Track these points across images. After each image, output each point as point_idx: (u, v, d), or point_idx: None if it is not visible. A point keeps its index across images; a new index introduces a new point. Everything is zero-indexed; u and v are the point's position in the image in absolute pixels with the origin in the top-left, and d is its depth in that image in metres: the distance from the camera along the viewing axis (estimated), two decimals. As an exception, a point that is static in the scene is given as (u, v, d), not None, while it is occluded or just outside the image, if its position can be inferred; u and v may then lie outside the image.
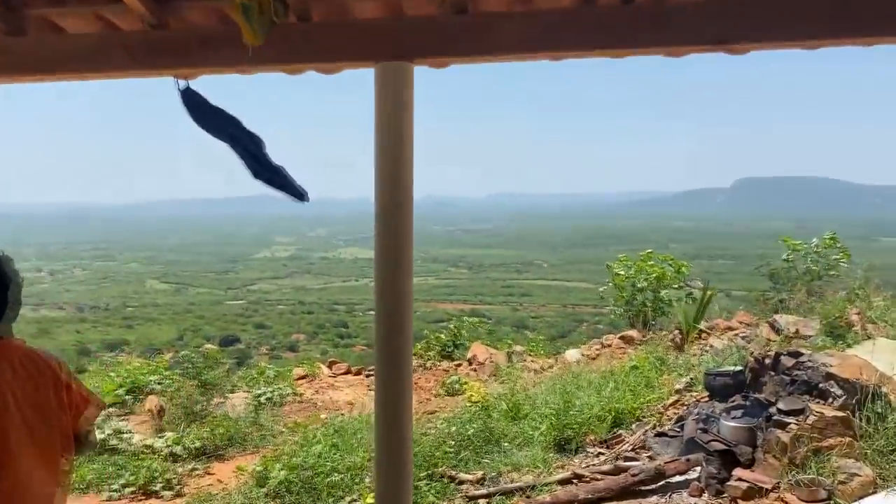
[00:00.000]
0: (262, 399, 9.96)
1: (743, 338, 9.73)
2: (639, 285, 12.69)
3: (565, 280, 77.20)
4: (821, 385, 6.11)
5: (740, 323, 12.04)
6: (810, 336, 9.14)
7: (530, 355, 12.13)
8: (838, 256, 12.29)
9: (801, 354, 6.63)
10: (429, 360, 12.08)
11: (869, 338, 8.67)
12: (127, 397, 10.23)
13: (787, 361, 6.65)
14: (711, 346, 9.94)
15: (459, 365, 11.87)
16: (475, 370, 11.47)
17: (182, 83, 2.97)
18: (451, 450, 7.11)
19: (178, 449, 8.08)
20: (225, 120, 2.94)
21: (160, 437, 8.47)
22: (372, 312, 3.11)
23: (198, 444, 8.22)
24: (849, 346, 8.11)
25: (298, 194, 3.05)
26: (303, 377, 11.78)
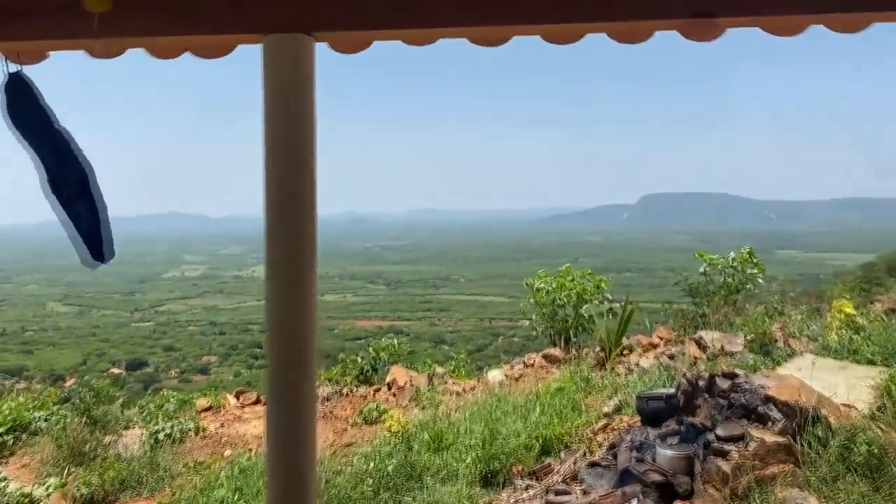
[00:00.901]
0: (161, 436, 9.04)
1: (669, 356, 9.50)
2: (559, 301, 12.37)
3: (482, 295, 77.47)
4: (759, 408, 5.81)
5: (661, 339, 11.88)
6: (736, 352, 8.98)
7: (452, 377, 11.59)
8: (754, 271, 12.32)
9: (737, 376, 6.35)
10: (346, 385, 11.36)
11: (793, 353, 8.58)
12: (7, 437, 9.12)
13: (723, 383, 6.35)
14: (637, 365, 9.67)
15: (378, 390, 11.21)
16: (395, 395, 10.84)
17: (13, 66, 2.28)
18: (370, 488, 6.48)
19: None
20: (43, 121, 2.23)
21: (42, 484, 7.49)
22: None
23: (85, 490, 7.31)
24: (777, 363, 7.95)
25: (95, 248, 2.30)
26: (207, 409, 10.86)
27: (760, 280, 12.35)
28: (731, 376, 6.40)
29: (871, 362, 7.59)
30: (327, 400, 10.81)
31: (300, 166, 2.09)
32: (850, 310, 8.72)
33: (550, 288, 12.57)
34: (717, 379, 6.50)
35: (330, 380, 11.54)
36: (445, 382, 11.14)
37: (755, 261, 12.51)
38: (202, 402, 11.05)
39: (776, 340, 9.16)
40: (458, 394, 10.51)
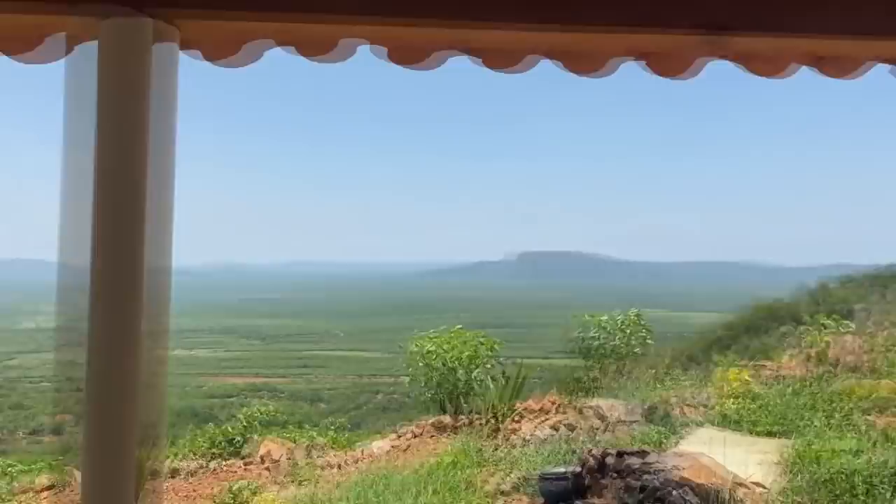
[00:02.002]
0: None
1: (568, 426, 9.04)
2: (450, 364, 11.75)
3: (362, 350, 75.90)
4: (674, 492, 5.38)
5: (552, 404, 11.50)
6: (635, 421, 8.66)
7: (333, 447, 10.66)
8: (643, 334, 12.26)
9: (647, 454, 5.92)
10: (213, 458, 10.18)
11: (689, 423, 8.35)
12: None
13: (632, 461, 5.90)
14: (534, 435, 9.16)
15: (250, 463, 10.10)
16: (269, 470, 9.77)
17: None
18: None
19: None
20: None
21: None
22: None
23: None
24: (679, 436, 7.65)
25: None
26: (48, 488, 9.36)
27: (650, 342, 12.31)
28: (642, 454, 5.97)
29: (771, 434, 7.45)
30: (192, 475, 9.61)
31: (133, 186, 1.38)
32: (746, 377, 8.63)
33: (441, 350, 11.95)
34: (626, 457, 6.05)
35: (194, 452, 10.32)
36: (325, 454, 10.20)
37: (643, 323, 12.46)
38: (42, 481, 9.53)
39: (673, 409, 8.93)
40: (339, 466, 9.62)
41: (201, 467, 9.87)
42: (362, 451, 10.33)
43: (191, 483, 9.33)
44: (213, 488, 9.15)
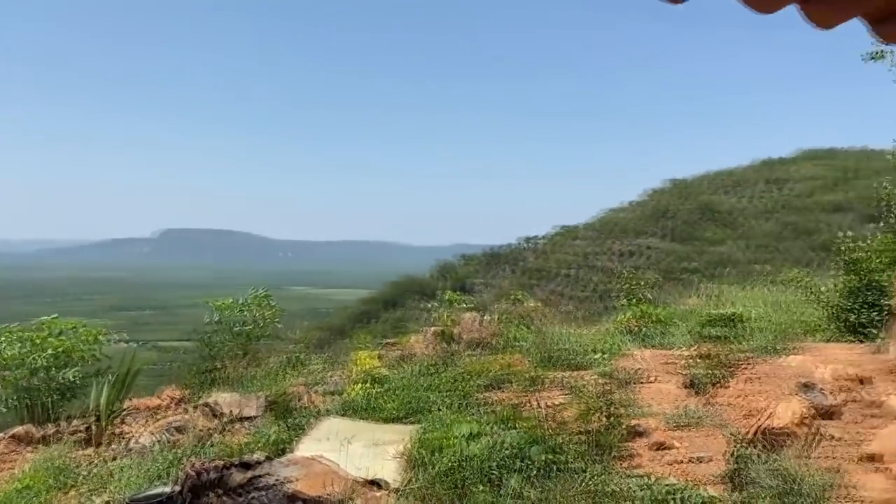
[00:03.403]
0: None
1: (176, 428, 7.75)
2: (33, 364, 9.54)
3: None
4: (284, 510, 4.55)
5: (170, 399, 10.07)
6: (255, 417, 7.73)
7: None
8: (271, 314, 11.32)
9: (254, 465, 5.01)
10: None
11: (318, 414, 7.67)
12: None
13: (239, 476, 4.95)
14: (137, 442, 7.70)
15: None
16: None
17: None
18: None
19: None
20: None
21: None
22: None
23: None
24: (301, 431, 6.86)
25: None
26: None
27: (280, 325, 11.44)
28: (247, 466, 5.04)
29: (395, 419, 7.09)
30: None
31: None
32: (373, 363, 8.23)
33: (25, 350, 9.66)
34: (232, 469, 5.07)
35: None
36: None
37: (271, 304, 11.50)
38: None
39: (299, 399, 8.18)
40: None
41: None
42: None
43: None
44: None
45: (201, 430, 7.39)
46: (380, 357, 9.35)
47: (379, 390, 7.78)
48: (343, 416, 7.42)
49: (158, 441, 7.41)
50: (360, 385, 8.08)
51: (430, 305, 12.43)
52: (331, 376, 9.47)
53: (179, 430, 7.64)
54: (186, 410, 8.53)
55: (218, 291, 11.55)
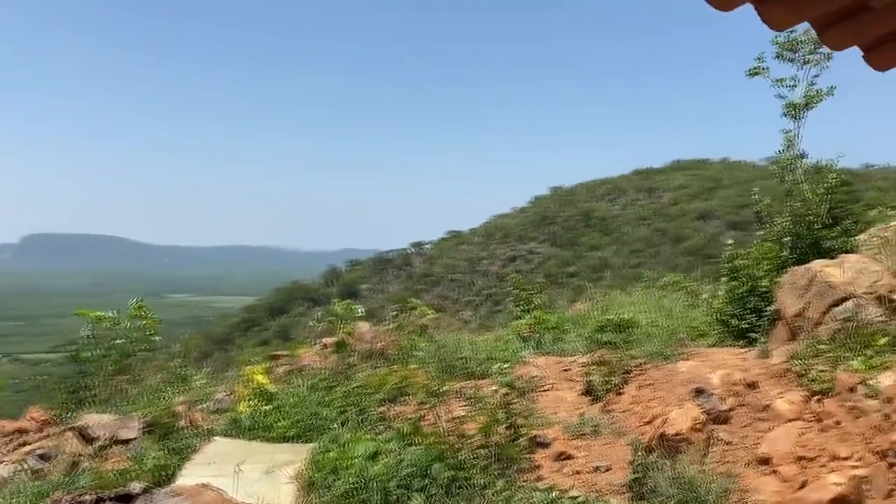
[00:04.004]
0: None
1: (41, 455, 7.01)
2: None
3: None
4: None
5: (35, 421, 9.19)
6: (132, 439, 7.12)
7: None
8: (146, 326, 10.55)
9: (134, 497, 4.55)
10: None
11: (201, 434, 7.16)
12: None
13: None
14: (-7, 474, 6.90)
15: None
16: None
17: None
18: None
19: None
20: None
21: None
22: None
23: None
24: (183, 455, 6.36)
25: None
26: None
27: (158, 338, 10.69)
28: (128, 498, 4.57)
29: (289, 438, 6.71)
30: None
31: None
32: (261, 378, 7.77)
33: None
34: (108, 503, 4.58)
35: None
36: None
37: (147, 315, 10.72)
38: None
39: (182, 419, 7.62)
40: None
41: None
42: None
43: None
44: None
45: (71, 457, 6.71)
46: (269, 371, 8.88)
47: (269, 407, 7.35)
48: (231, 436, 6.96)
49: (20, 471, 6.68)
50: (248, 402, 7.61)
51: (320, 314, 11.99)
52: (216, 393, 8.93)
53: (45, 457, 6.92)
54: (54, 434, 7.76)
55: (91, 301, 10.72)
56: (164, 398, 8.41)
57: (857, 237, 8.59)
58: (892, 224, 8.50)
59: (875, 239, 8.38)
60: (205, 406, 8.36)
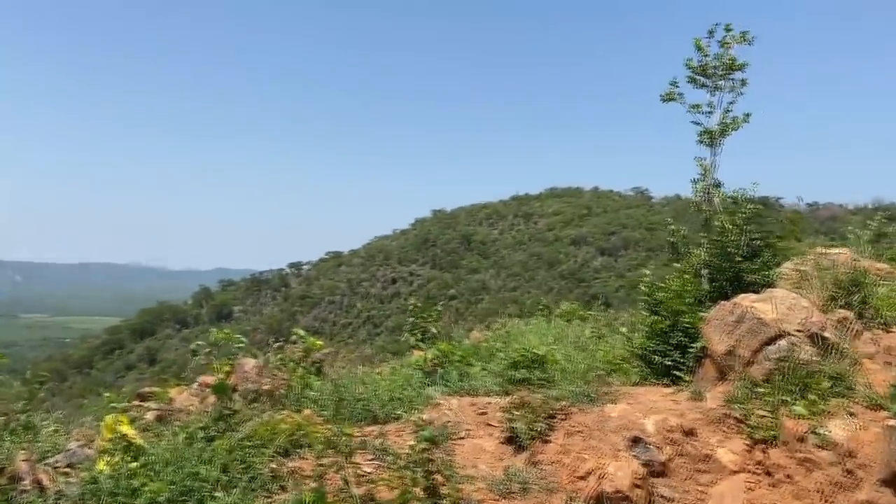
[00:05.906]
0: None
1: None
2: None
3: None
4: None
5: None
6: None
7: None
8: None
9: None
10: None
11: (51, 501, 5.81)
12: None
13: None
14: None
15: None
16: None
17: None
18: None
19: None
20: None
21: None
22: None
23: None
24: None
25: None
26: None
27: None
28: None
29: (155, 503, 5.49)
30: None
31: None
32: (126, 428, 6.45)
33: None
34: None
35: None
36: None
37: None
38: None
39: (21, 479, 6.20)
40: None
41: None
42: None
43: None
44: None
45: None
46: (135, 417, 7.55)
47: (135, 465, 6.08)
48: (86, 503, 5.66)
49: None
50: (109, 458, 6.30)
51: (196, 346, 10.62)
52: (68, 442, 7.50)
53: None
54: None
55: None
56: (1, 452, 6.91)
57: (775, 270, 8.40)
58: (809, 257, 8.36)
59: (795, 272, 8.19)
60: (54, 460, 6.94)
